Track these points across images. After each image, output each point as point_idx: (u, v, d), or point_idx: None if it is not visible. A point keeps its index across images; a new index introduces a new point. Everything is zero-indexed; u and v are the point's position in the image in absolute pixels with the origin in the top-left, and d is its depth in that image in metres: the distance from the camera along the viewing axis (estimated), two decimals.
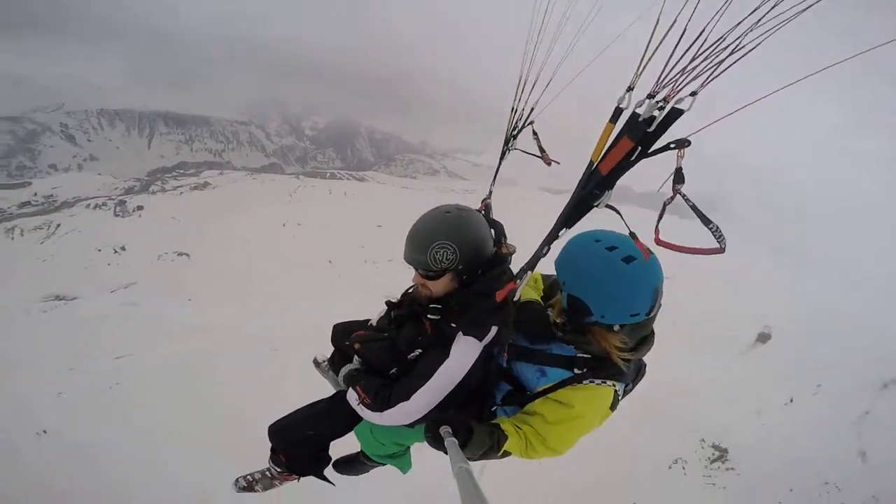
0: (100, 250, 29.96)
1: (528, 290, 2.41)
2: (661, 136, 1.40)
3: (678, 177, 1.47)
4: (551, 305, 2.20)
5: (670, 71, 1.37)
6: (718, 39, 1.31)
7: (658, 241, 1.66)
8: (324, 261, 28.36)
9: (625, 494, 17.30)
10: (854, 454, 19.59)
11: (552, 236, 1.72)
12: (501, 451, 2.00)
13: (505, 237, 2.49)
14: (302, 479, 3.04)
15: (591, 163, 1.54)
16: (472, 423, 1.93)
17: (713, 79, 1.35)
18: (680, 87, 1.36)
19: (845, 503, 18.08)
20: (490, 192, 2.96)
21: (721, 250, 1.50)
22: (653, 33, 1.39)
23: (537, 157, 2.66)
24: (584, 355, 2.01)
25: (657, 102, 1.38)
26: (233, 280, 25.50)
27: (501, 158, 2.82)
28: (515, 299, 2.01)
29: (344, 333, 2.79)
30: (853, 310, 27.22)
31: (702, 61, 1.34)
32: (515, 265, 2.20)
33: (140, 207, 38.30)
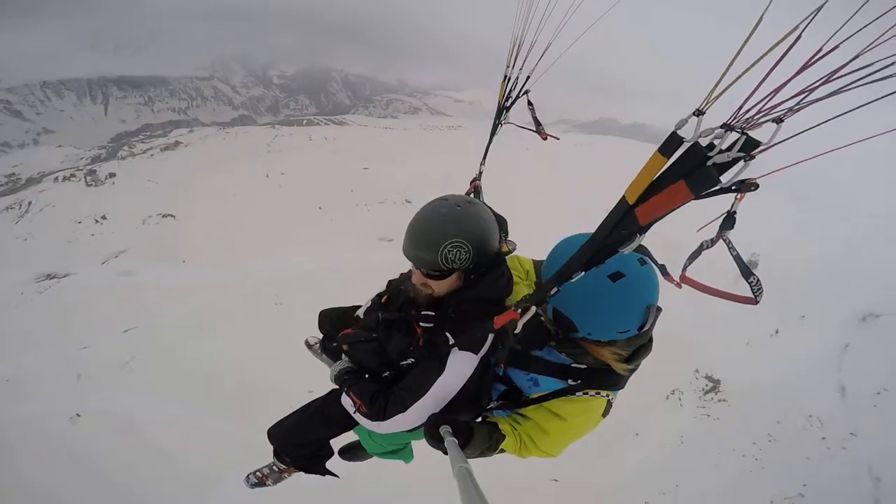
0: (80, 222, 28.56)
1: (521, 287, 2.28)
2: (722, 173, 1.05)
3: (728, 222, 1.34)
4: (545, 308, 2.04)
5: (766, 96, 1.02)
6: (847, 63, 0.96)
7: (683, 279, 1.60)
8: (314, 208, 27.38)
9: (626, 424, 17.89)
10: (835, 388, 20.59)
11: (565, 276, 1.47)
12: (498, 450, 2.02)
13: (506, 233, 2.33)
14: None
15: (623, 200, 1.21)
16: (472, 423, 1.94)
17: (813, 102, 1.02)
18: (764, 114, 1.04)
19: (827, 437, 18.90)
20: (480, 173, 2.76)
21: (755, 302, 1.40)
22: (745, 43, 1.06)
23: (532, 130, 2.48)
24: (579, 366, 1.97)
25: (738, 136, 1.02)
26: (224, 236, 24.56)
27: (493, 132, 2.61)
28: (516, 332, 1.77)
29: (332, 322, 2.74)
30: (844, 241, 27.42)
31: (808, 90, 0.99)
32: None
33: (112, 175, 36.23)
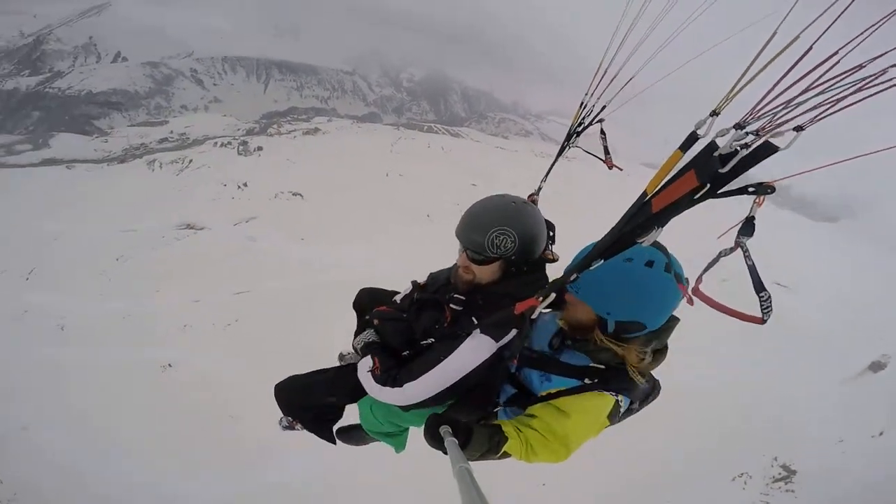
0: (225, 185, 31.23)
1: None
2: (740, 174, 1.08)
3: (747, 228, 1.34)
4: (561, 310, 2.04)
5: (775, 97, 1.06)
6: (856, 67, 0.99)
7: (696, 292, 1.58)
8: (422, 214, 27.36)
9: (672, 496, 15.41)
10: None
11: (585, 265, 1.49)
12: (501, 453, 1.92)
13: (553, 242, 2.36)
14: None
15: (644, 193, 1.26)
16: (473, 423, 1.88)
17: (832, 113, 1.03)
18: (782, 118, 1.06)
19: None
20: (539, 189, 2.77)
21: (761, 321, 1.39)
22: (764, 46, 1.12)
23: (600, 158, 2.48)
24: (598, 366, 1.92)
25: (746, 135, 1.07)
26: (341, 224, 25.42)
27: (559, 154, 2.64)
28: (534, 317, 1.80)
29: (369, 301, 2.74)
30: None
31: (821, 91, 1.01)
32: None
33: (259, 148, 39.54)
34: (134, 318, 18.76)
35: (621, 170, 2.51)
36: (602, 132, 2.50)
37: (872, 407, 17.99)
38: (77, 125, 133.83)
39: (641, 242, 1.31)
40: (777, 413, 17.14)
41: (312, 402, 2.73)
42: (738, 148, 1.06)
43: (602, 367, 1.92)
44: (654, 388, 2.18)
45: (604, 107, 2.40)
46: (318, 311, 18.30)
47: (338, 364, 3.07)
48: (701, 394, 17.15)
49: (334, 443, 2.88)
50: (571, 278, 1.60)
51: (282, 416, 3.11)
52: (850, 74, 0.99)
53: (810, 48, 1.05)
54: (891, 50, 0.95)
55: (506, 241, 2.08)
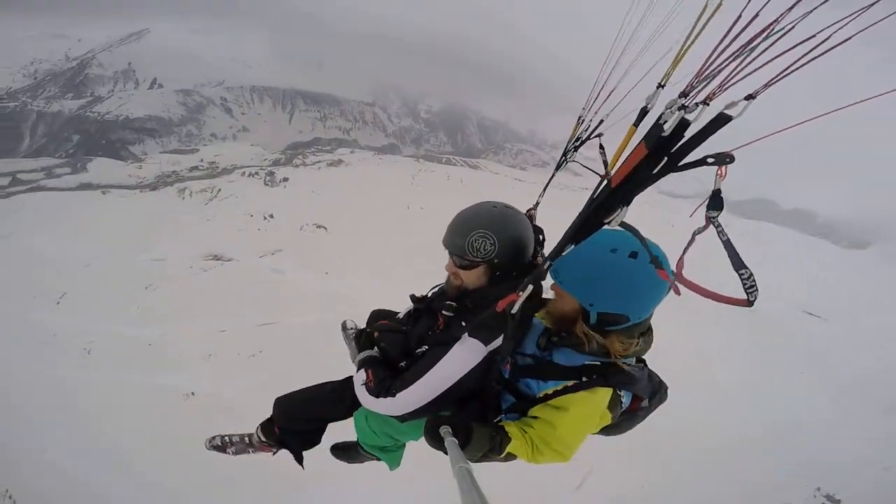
0: (252, 216, 31.74)
1: None
2: (696, 146, 1.09)
3: (715, 201, 1.34)
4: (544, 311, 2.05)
5: (718, 62, 1.07)
6: (791, 21, 1.01)
7: (680, 279, 1.55)
8: (444, 249, 27.32)
9: None
10: None
11: (557, 251, 1.48)
12: (504, 454, 1.92)
13: (542, 247, 2.40)
14: (278, 455, 2.95)
15: (606, 172, 1.30)
16: (473, 423, 1.87)
17: (784, 77, 1.02)
18: (727, 86, 1.08)
19: None
20: (537, 203, 2.78)
21: (748, 303, 1.34)
22: (702, 12, 1.15)
23: (598, 174, 2.06)
24: (594, 363, 1.89)
25: (690, 104, 1.08)
26: (365, 257, 25.49)
27: (557, 168, 2.65)
28: (514, 312, 1.75)
29: (377, 318, 2.76)
30: None
31: (764, 50, 1.04)
32: None
33: (286, 179, 40.34)
34: (159, 346, 18.89)
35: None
36: (601, 147, 2.41)
37: None
38: (113, 150, 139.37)
39: (608, 223, 1.29)
40: (818, 446, 16.77)
41: (313, 414, 2.76)
42: (688, 116, 1.07)
43: (598, 363, 1.90)
44: (660, 387, 2.19)
45: (601, 121, 2.39)
46: (342, 346, 18.11)
47: (341, 329, 3.38)
48: (745, 430, 16.91)
49: (303, 467, 2.91)
50: (545, 266, 1.61)
51: (215, 435, 3.20)
52: (786, 34, 1.00)
53: (744, 10, 1.05)
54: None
55: (485, 244, 2.10)
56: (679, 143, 1.10)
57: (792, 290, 25.24)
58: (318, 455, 2.98)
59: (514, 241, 2.14)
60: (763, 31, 1.05)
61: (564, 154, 2.59)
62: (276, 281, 23.43)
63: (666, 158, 1.12)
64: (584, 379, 1.89)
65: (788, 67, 1.02)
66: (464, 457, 1.57)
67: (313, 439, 2.89)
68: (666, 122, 1.09)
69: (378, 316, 2.81)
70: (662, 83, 1.22)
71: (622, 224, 1.37)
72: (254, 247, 27.59)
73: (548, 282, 1.90)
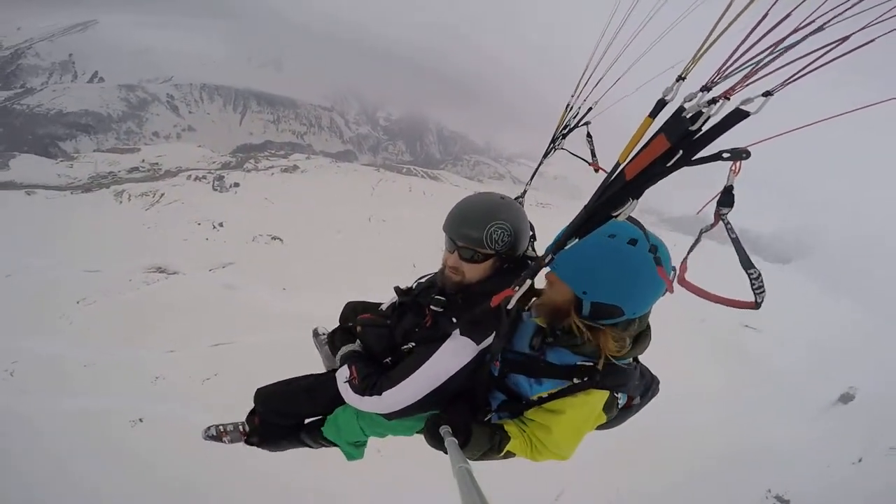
0: (199, 224, 29.80)
1: None
2: (711, 141, 1.06)
3: (726, 198, 1.30)
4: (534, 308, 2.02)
5: (739, 59, 1.07)
6: (813, 24, 1.02)
7: (682, 281, 1.50)
8: (408, 263, 26.62)
9: None
10: None
11: (561, 244, 1.43)
12: (504, 452, 1.93)
13: (535, 239, 2.33)
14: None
15: (617, 164, 1.23)
16: (473, 423, 1.87)
17: (803, 76, 1.04)
18: (750, 81, 1.08)
19: None
20: (524, 192, 2.70)
21: (755, 306, 1.30)
22: (727, 8, 1.13)
23: (586, 161, 2.41)
24: (586, 363, 1.83)
25: (714, 98, 1.06)
26: (325, 272, 24.32)
27: (544, 156, 2.58)
28: (509, 307, 1.72)
29: (353, 313, 2.64)
30: None
31: (786, 50, 1.04)
32: None
33: (236, 185, 38.36)
34: (98, 367, 17.06)
35: (606, 172, 2.34)
36: (588, 135, 2.42)
37: (848, 436, 18.96)
38: (40, 146, 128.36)
39: (616, 216, 1.24)
40: (763, 448, 17.58)
41: (289, 408, 2.66)
42: (704, 110, 1.04)
43: (591, 363, 1.83)
44: (652, 382, 2.15)
45: (590, 109, 2.35)
46: (303, 368, 17.12)
47: (312, 336, 3.16)
48: (689, 433, 17.48)
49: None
50: (546, 260, 1.53)
51: (211, 425, 3.10)
52: (812, 36, 0.99)
53: (769, 10, 1.05)
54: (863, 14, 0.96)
55: (503, 236, 2.03)
56: (697, 137, 1.05)
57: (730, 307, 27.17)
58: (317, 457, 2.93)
59: (521, 237, 2.10)
60: (793, 31, 1.04)
61: (553, 142, 2.50)
62: (228, 297, 21.86)
63: (681, 152, 1.07)
64: (575, 380, 1.84)
65: (807, 67, 1.02)
66: (464, 457, 1.56)
67: (292, 435, 2.78)
68: (689, 114, 1.04)
69: (356, 308, 2.69)
70: (683, 76, 1.18)
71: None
72: (202, 259, 25.69)
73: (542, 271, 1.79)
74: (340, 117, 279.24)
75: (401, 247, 28.29)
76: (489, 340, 1.97)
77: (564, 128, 2.47)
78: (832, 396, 21.13)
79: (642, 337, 1.91)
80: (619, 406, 1.98)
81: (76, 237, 27.15)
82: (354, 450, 2.68)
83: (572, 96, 2.32)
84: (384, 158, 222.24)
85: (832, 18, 1.00)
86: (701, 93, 1.07)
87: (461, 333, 1.98)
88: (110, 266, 23.87)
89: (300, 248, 27.14)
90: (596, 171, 2.39)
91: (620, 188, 1.20)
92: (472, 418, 2.00)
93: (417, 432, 2.35)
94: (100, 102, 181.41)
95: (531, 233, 2.27)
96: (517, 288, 1.66)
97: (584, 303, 1.77)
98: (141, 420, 14.85)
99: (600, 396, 1.87)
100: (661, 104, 1.17)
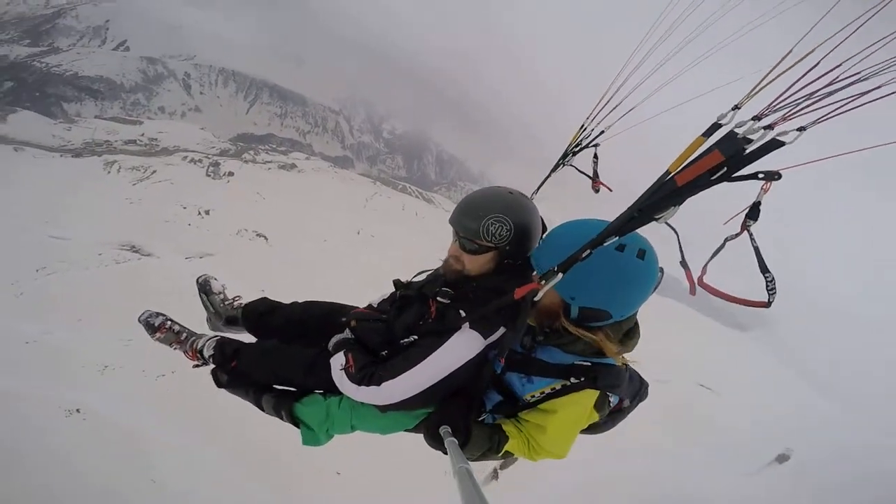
0: (185, 208, 28.12)
1: None
2: (751, 162, 1.20)
3: (753, 212, 1.38)
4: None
5: (788, 97, 1.24)
6: (856, 75, 1.16)
7: (700, 283, 1.59)
8: (390, 285, 25.50)
9: None
10: None
11: (598, 241, 1.49)
12: (502, 453, 1.93)
13: None
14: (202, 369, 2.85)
15: (666, 172, 1.33)
16: (472, 423, 1.88)
17: (833, 116, 1.18)
18: (791, 116, 1.21)
19: None
20: (533, 194, 2.70)
21: (766, 304, 1.39)
22: (782, 59, 1.29)
23: (589, 177, 2.51)
24: (584, 363, 1.86)
25: (763, 127, 1.20)
26: (307, 279, 22.76)
27: (553, 170, 2.67)
28: (536, 299, 1.69)
29: (321, 313, 2.72)
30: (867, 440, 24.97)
31: (826, 95, 1.19)
32: None
33: (231, 174, 36.84)
34: (41, 346, 15.10)
35: (610, 190, 2.45)
36: (595, 156, 2.47)
37: (779, 494, 19.08)
38: (45, 105, 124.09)
39: (658, 219, 1.33)
40: (700, 499, 17.31)
41: (281, 371, 2.49)
42: (754, 136, 1.16)
43: (588, 364, 1.85)
44: (641, 386, 2.17)
45: (602, 132, 2.39)
46: None
47: (196, 284, 3.27)
48: (628, 481, 17.01)
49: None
50: (584, 255, 1.55)
51: (157, 311, 3.03)
52: (849, 85, 1.13)
53: (817, 63, 1.18)
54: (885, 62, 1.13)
55: (501, 230, 2.00)
56: (742, 157, 1.17)
57: (688, 364, 26.91)
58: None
59: (527, 230, 2.05)
60: (832, 82, 1.16)
61: (563, 157, 2.54)
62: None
63: (725, 168, 1.18)
64: (572, 380, 1.84)
65: (837, 110, 1.15)
66: (464, 457, 1.56)
67: (258, 390, 2.55)
68: (744, 136, 1.17)
69: (321, 310, 2.75)
70: (739, 105, 1.31)
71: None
72: (180, 245, 23.88)
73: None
74: (346, 122, 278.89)
75: (386, 266, 27.00)
76: (496, 335, 1.95)
77: (576, 146, 2.49)
78: (770, 456, 21.42)
79: (631, 334, 1.92)
80: (611, 406, 1.96)
81: (52, 200, 25.26)
82: (324, 437, 2.46)
83: (587, 118, 2.37)
84: (380, 170, 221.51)
85: (863, 70, 1.13)
86: (752, 121, 1.20)
87: (470, 327, 1.93)
88: (80, 236, 22.02)
89: (284, 249, 25.61)
90: (595, 191, 2.47)
91: (669, 193, 1.28)
92: (470, 418, 1.96)
93: (407, 430, 2.28)
94: (118, 70, 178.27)
95: (546, 230, 2.20)
96: (543, 282, 1.63)
97: (573, 307, 1.78)
98: (78, 411, 13.04)
99: (591, 395, 1.86)
100: (715, 126, 1.30)
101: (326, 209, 33.62)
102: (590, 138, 2.45)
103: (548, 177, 2.69)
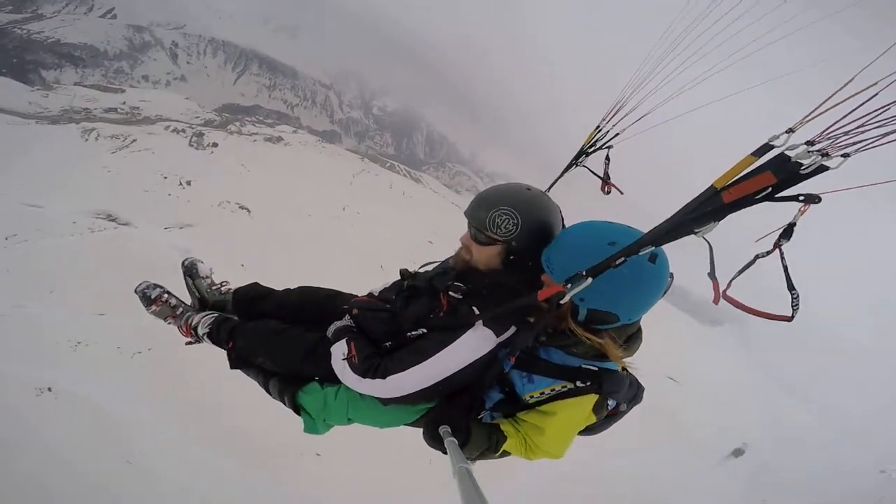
0: (166, 178, 27.22)
1: None
2: (796, 184, 1.21)
3: (788, 232, 1.38)
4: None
5: (841, 125, 1.22)
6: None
7: (724, 295, 1.58)
8: (376, 264, 24.93)
9: None
10: None
11: (634, 249, 1.48)
12: (500, 452, 1.93)
13: None
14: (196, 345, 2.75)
15: (712, 187, 1.32)
16: (472, 423, 1.86)
17: (878, 146, 1.18)
18: (841, 144, 1.20)
19: None
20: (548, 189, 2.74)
21: (789, 318, 1.42)
22: (841, 88, 1.26)
23: (599, 177, 2.49)
24: (591, 367, 1.83)
25: (816, 152, 1.19)
26: (289, 254, 22.24)
27: (565, 170, 2.61)
28: (562, 302, 1.67)
29: (315, 302, 2.62)
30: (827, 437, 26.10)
31: (878, 126, 1.18)
32: None
33: (214, 144, 35.75)
34: (7, 320, 14.44)
35: (622, 193, 2.44)
36: (607, 158, 2.43)
37: (734, 487, 19.41)
38: (22, 72, 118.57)
39: (698, 233, 1.32)
40: (655, 495, 17.44)
41: (282, 354, 2.38)
42: (806, 161, 1.16)
43: (595, 368, 1.84)
44: (638, 390, 2.15)
45: (616, 135, 2.38)
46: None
47: (182, 267, 3.03)
48: (587, 480, 16.86)
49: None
50: (618, 262, 1.53)
51: (154, 283, 2.86)
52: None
53: (875, 95, 1.17)
54: None
55: (507, 223, 1.94)
56: (794, 181, 1.17)
57: (659, 358, 27.54)
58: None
59: (539, 228, 1.98)
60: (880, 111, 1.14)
61: (577, 157, 2.50)
62: (178, 262, 19.56)
63: (769, 188, 1.18)
64: (578, 383, 1.83)
65: (881, 138, 1.14)
66: (464, 457, 1.55)
67: (287, 385, 2.40)
68: (797, 159, 1.17)
69: (314, 297, 2.68)
70: (793, 129, 1.30)
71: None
72: (159, 215, 23.08)
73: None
74: (336, 97, 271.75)
75: (371, 244, 26.49)
76: (508, 334, 1.92)
77: (590, 146, 2.46)
78: (728, 450, 21.77)
79: (633, 338, 1.92)
80: (609, 408, 1.96)
81: (25, 167, 24.16)
82: (322, 426, 2.40)
83: (604, 120, 2.36)
84: (368, 147, 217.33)
85: None
86: (805, 145, 1.19)
87: (484, 324, 1.90)
88: (55, 204, 21.11)
89: (267, 223, 24.97)
90: (606, 192, 2.44)
91: (714, 209, 1.28)
92: (469, 418, 1.94)
93: (408, 424, 2.26)
94: (102, 38, 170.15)
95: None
96: (569, 285, 1.61)
97: (581, 309, 1.76)
98: (50, 389, 12.43)
99: (591, 398, 1.86)
100: (767, 147, 1.27)
101: (312, 184, 32.90)
102: (604, 140, 2.42)
103: (561, 175, 2.65)
